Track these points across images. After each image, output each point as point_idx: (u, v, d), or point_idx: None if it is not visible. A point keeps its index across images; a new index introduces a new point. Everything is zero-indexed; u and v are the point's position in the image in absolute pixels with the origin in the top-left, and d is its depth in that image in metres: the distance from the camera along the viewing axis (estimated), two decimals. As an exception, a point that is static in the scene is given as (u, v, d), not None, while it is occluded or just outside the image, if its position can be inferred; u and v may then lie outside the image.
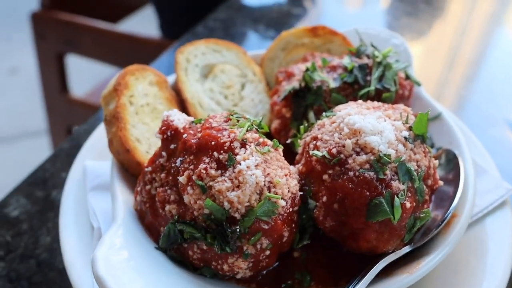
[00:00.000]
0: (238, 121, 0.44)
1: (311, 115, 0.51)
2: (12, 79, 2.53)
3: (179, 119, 0.45)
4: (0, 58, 2.69)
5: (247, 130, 0.42)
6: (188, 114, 0.58)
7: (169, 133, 0.44)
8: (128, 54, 1.15)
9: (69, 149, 0.71)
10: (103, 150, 0.55)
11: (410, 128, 0.43)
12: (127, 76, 0.55)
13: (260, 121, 0.45)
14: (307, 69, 0.54)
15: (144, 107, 0.55)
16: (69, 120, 1.32)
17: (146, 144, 0.53)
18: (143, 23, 2.26)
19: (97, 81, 1.40)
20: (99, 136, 0.62)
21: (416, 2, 0.84)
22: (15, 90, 2.44)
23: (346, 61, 0.54)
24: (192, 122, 0.45)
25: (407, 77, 0.56)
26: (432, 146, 0.53)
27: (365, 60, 0.55)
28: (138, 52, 1.14)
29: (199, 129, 0.43)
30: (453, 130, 0.53)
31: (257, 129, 0.44)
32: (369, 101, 0.48)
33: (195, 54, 0.63)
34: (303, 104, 0.53)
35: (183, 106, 0.59)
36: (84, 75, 2.03)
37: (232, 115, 0.44)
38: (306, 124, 0.49)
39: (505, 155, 0.69)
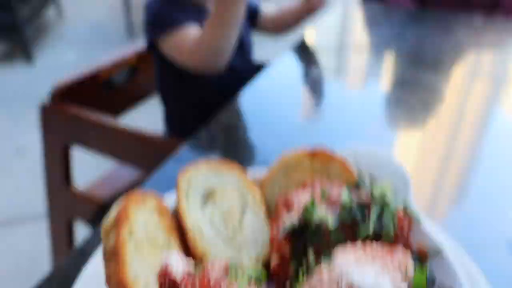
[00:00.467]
0: (236, 272, 0.43)
1: (311, 254, 0.51)
2: (18, 159, 2.57)
3: (178, 268, 0.44)
4: (8, 138, 2.75)
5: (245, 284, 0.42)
6: (189, 243, 0.58)
7: (167, 284, 0.43)
8: (132, 150, 1.17)
9: (66, 270, 0.70)
10: (102, 281, 0.54)
11: (409, 282, 0.43)
12: (128, 206, 0.55)
13: (259, 273, 0.45)
14: (306, 207, 0.54)
15: (144, 240, 0.55)
16: (70, 212, 1.32)
17: (144, 282, 0.52)
18: (151, 112, 2.32)
19: (100, 173, 1.42)
20: (98, 262, 0.61)
21: (409, 92, 0.86)
22: (20, 171, 2.47)
23: (344, 197, 0.55)
24: (191, 271, 0.45)
25: (405, 211, 0.56)
26: (433, 281, 0.52)
27: (363, 195, 0.55)
28: (142, 148, 1.16)
29: (197, 283, 0.43)
30: (453, 268, 0.52)
31: (255, 282, 0.43)
32: (368, 242, 0.48)
33: (196, 178, 0.64)
34: (302, 241, 0.53)
35: (183, 234, 0.59)
36: (87, 164, 2.06)
37: (229, 266, 0.44)
38: (305, 267, 0.49)
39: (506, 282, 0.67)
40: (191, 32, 0.94)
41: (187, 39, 0.93)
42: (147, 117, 2.85)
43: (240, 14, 0.86)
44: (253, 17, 1.14)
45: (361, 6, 1.38)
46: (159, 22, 0.97)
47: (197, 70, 0.96)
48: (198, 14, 1.04)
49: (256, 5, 1.17)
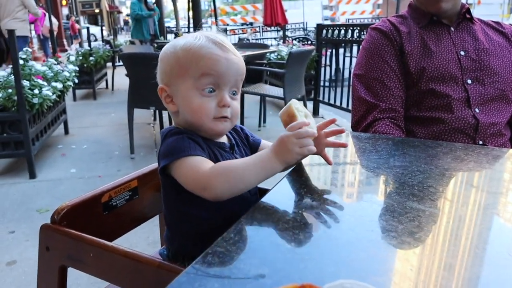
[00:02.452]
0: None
1: None
2: (8, 271, 2.52)
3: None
4: (1, 251, 2.73)
5: None
6: None
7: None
8: (129, 274, 1.18)
9: None
10: None
11: None
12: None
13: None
14: None
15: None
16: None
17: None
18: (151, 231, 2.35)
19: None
20: None
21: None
22: (9, 284, 2.41)
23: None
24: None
25: None
26: None
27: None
28: (138, 272, 1.16)
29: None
30: None
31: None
32: None
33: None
34: None
35: None
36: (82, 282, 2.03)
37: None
38: None
39: None
40: (204, 161, 1.02)
41: (199, 166, 1.00)
42: (147, 235, 2.85)
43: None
44: (254, 151, 1.23)
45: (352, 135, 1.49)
46: (175, 150, 1.03)
47: (208, 199, 1.01)
48: (216, 149, 1.12)
49: (259, 140, 1.26)
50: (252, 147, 1.24)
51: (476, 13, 1.93)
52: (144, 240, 2.80)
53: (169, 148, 1.07)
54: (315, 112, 6.51)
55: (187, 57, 1.07)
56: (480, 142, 1.77)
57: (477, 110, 1.77)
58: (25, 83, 3.97)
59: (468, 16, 1.92)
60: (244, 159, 1.02)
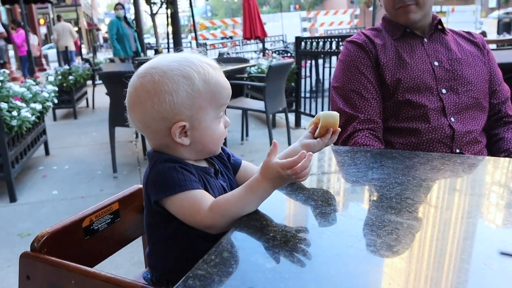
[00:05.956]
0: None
1: None
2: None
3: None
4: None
5: None
6: None
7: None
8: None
9: None
10: None
11: None
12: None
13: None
14: None
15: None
16: None
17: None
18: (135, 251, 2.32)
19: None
20: None
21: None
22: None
23: None
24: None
25: None
26: None
27: None
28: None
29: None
30: None
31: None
32: None
33: None
34: None
35: None
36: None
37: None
38: None
39: None
40: (204, 196, 1.04)
41: (200, 203, 1.02)
42: (131, 256, 2.81)
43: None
44: (235, 171, 1.26)
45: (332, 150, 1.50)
46: (170, 183, 1.03)
47: (207, 230, 1.03)
48: (203, 175, 1.12)
49: (239, 160, 1.28)
50: (233, 168, 1.24)
51: (450, 20, 1.98)
52: (129, 260, 2.76)
53: (162, 179, 1.04)
54: (297, 124, 6.55)
55: (210, 89, 1.07)
56: (457, 150, 1.80)
57: (452, 119, 1.81)
58: (3, 105, 3.91)
59: (440, 27, 1.97)
60: (240, 193, 1.01)
